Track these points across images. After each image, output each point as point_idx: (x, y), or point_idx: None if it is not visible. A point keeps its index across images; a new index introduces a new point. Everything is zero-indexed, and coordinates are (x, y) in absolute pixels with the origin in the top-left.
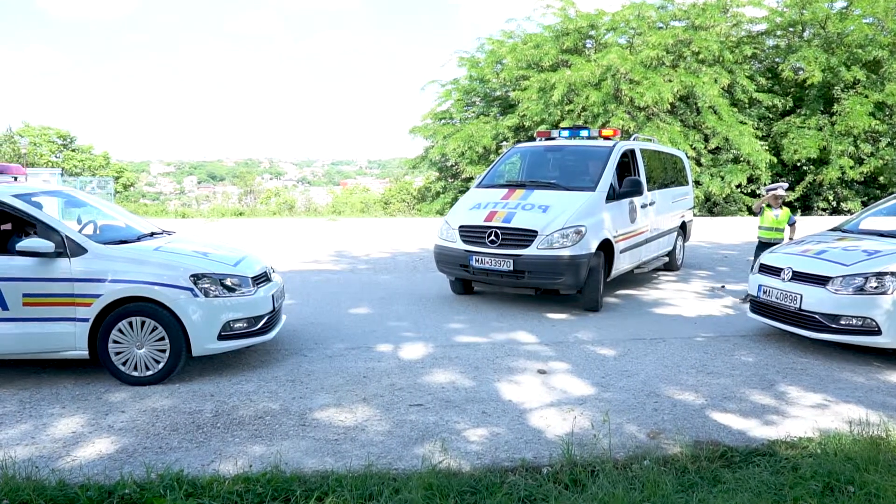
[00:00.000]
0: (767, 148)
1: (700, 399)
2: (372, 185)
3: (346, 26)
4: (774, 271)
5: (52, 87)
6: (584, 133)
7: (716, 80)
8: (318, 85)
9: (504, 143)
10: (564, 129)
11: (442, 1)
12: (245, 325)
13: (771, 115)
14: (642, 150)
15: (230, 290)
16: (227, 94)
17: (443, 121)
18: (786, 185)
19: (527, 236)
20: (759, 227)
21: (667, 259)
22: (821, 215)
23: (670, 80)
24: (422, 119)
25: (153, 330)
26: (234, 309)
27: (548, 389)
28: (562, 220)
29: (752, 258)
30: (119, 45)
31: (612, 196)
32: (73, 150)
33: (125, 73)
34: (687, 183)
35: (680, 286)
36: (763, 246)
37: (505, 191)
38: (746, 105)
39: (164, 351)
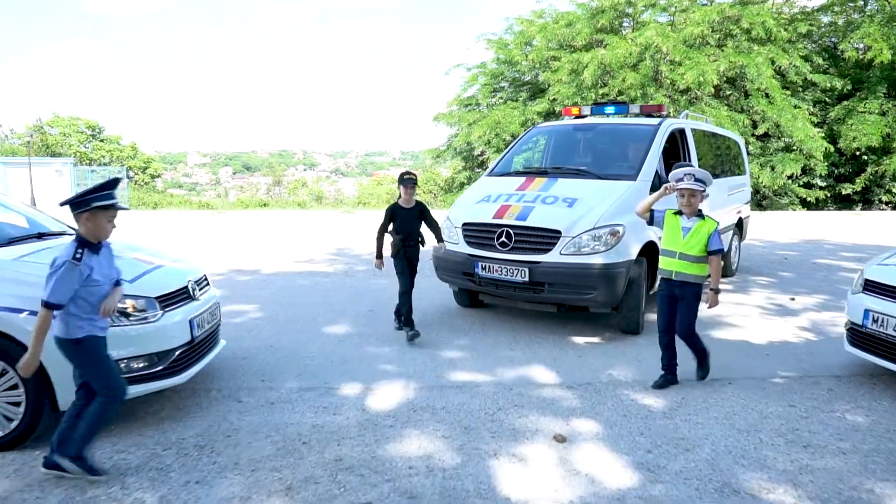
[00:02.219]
0: (823, 135)
1: (803, 502)
2: None
3: (380, 17)
4: (889, 291)
5: (91, 81)
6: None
7: (773, 60)
8: (352, 76)
9: None
10: (598, 104)
11: None
12: (144, 364)
13: (827, 99)
14: (693, 131)
15: (123, 315)
16: (263, 87)
17: (468, 107)
18: (703, 176)
19: (547, 238)
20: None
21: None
22: (883, 209)
23: (716, 60)
24: (447, 106)
25: (2, 374)
26: (127, 343)
27: (567, 474)
28: (593, 217)
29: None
30: (157, 38)
31: (658, 186)
32: (102, 141)
33: (164, 66)
34: (743, 172)
35: (738, 298)
36: (662, 283)
37: (522, 180)
38: (800, 88)
39: (18, 404)
